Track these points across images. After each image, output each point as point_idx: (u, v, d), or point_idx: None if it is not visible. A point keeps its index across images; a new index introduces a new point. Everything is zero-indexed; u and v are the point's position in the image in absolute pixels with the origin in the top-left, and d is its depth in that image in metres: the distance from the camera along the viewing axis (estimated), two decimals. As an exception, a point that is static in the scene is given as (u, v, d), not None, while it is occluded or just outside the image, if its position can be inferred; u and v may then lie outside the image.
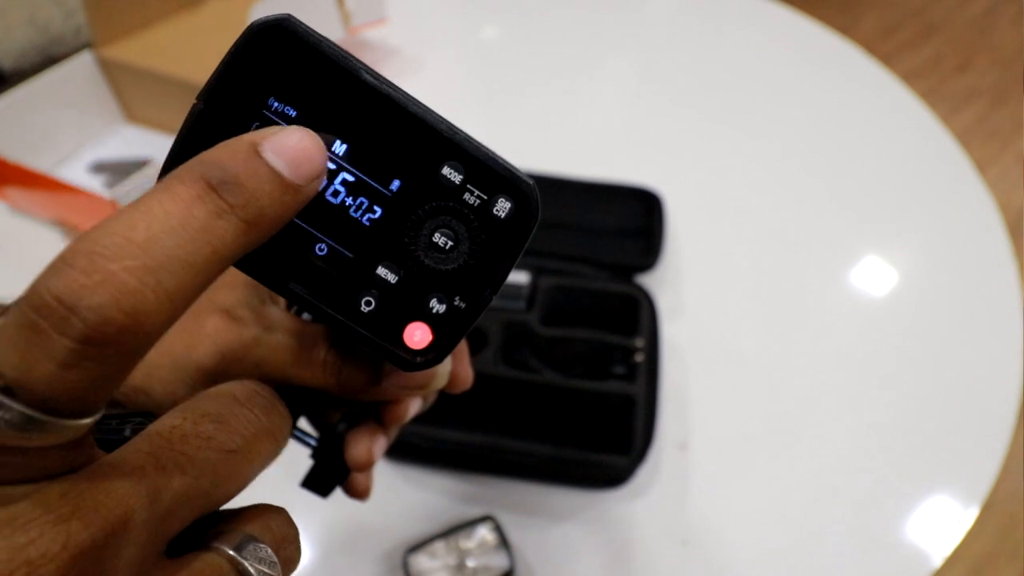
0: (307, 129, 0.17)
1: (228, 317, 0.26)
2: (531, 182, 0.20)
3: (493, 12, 1.00)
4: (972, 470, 0.53)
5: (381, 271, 0.20)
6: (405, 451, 0.51)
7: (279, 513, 0.18)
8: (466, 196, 0.20)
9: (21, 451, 0.13)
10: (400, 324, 0.20)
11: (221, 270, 0.15)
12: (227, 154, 0.15)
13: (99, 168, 0.73)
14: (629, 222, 0.67)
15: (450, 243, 0.20)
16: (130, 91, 0.75)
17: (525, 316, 0.57)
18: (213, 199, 0.15)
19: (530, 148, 0.69)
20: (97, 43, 0.71)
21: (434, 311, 0.20)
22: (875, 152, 0.79)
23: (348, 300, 0.20)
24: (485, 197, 0.20)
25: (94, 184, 0.71)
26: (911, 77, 1.99)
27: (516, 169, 0.20)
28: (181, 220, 0.14)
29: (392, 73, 0.85)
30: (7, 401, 0.13)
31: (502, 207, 0.20)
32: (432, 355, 0.21)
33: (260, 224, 0.16)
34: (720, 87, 0.88)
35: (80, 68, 0.71)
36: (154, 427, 0.16)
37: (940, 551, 0.49)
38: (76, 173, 0.73)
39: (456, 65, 0.91)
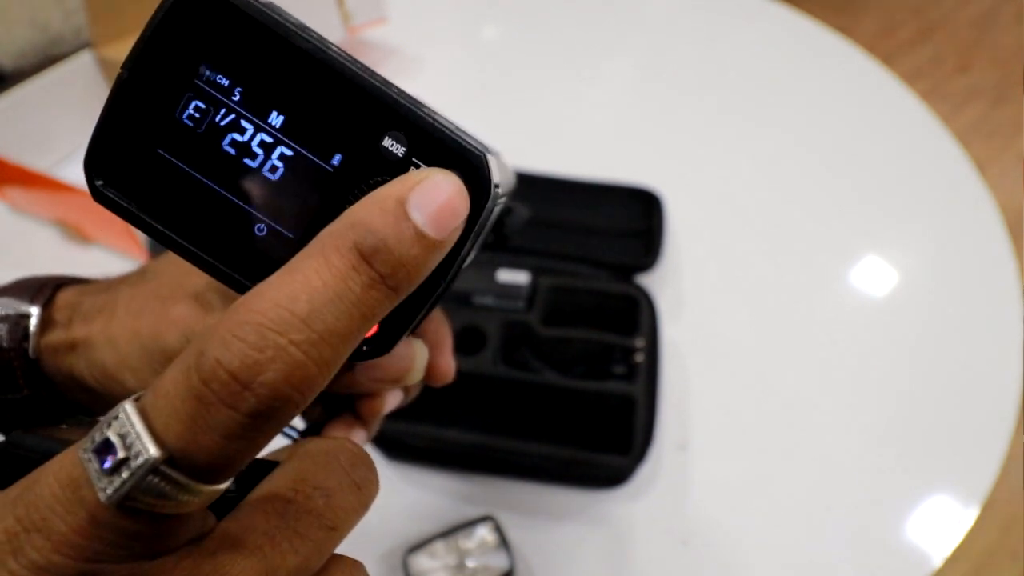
0: (450, 174, 0.16)
1: (196, 302, 0.25)
2: (481, 152, 0.18)
3: (493, 12, 1.00)
4: (972, 470, 0.53)
5: None
6: (405, 451, 0.51)
7: (359, 569, 0.17)
8: (411, 170, 0.18)
9: (166, 520, 0.13)
10: None
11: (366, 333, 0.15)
12: (377, 216, 0.15)
13: (99, 168, 0.73)
14: (629, 222, 0.67)
15: None
16: (130, 91, 0.75)
17: (525, 316, 0.57)
18: (366, 270, 0.15)
19: (530, 148, 0.69)
20: (97, 43, 0.71)
21: None
22: (875, 152, 0.79)
23: None
24: None
25: (94, 184, 0.71)
26: (911, 77, 1.98)
27: (466, 138, 0.18)
28: (338, 293, 0.14)
29: (392, 73, 0.85)
30: (171, 472, 0.13)
31: None
32: (378, 345, 0.19)
33: (403, 289, 0.16)
34: (720, 87, 0.87)
35: (80, 68, 0.71)
36: (267, 493, 0.16)
37: (940, 551, 0.49)
38: (76, 173, 0.73)
39: (456, 65, 0.91)
